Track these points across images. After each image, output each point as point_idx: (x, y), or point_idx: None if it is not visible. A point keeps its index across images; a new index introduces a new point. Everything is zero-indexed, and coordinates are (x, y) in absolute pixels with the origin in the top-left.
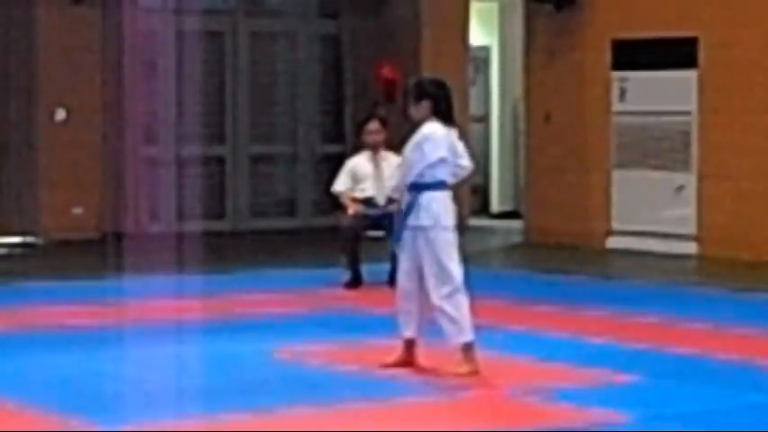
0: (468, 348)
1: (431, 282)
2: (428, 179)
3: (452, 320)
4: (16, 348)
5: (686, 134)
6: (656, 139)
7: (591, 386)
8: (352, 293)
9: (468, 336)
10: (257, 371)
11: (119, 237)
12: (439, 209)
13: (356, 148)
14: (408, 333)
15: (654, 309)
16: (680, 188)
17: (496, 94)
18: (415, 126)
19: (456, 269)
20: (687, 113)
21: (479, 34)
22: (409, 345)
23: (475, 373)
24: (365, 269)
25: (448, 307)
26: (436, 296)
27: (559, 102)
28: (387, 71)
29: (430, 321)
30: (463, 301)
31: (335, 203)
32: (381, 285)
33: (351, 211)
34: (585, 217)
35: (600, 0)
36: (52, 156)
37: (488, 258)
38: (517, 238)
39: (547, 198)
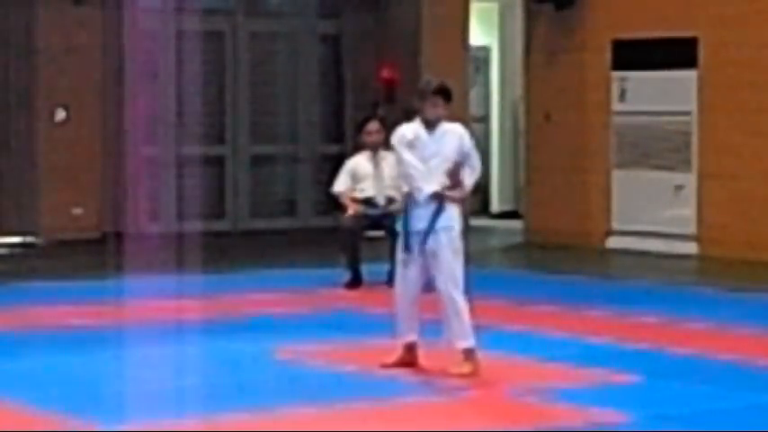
0: (469, 351)
1: (447, 280)
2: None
3: (461, 321)
4: (16, 348)
5: (686, 134)
6: (656, 139)
7: (591, 386)
8: (352, 293)
9: (471, 341)
10: (257, 371)
11: (119, 237)
12: (455, 211)
13: (356, 148)
14: (412, 337)
15: (654, 309)
16: (680, 188)
17: (496, 94)
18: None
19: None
20: (687, 113)
21: (479, 34)
22: (411, 347)
23: (476, 373)
24: (365, 269)
25: (459, 306)
26: (449, 295)
27: (559, 102)
28: (387, 71)
29: (429, 322)
30: (467, 304)
31: (335, 203)
32: (381, 285)
33: (351, 211)
34: (585, 217)
35: (600, 0)
36: (52, 156)
37: (488, 258)
38: (517, 238)
39: (547, 198)
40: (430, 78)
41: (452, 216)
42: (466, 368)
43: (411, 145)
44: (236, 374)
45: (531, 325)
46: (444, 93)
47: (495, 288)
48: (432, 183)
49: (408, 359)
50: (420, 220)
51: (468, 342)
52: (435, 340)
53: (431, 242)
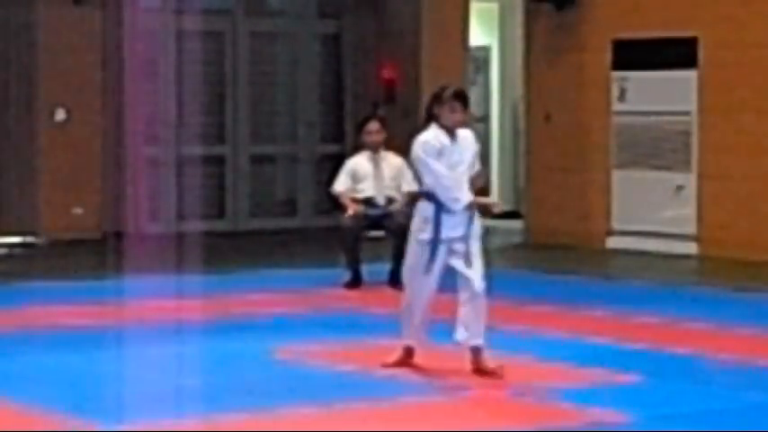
0: (480, 349)
1: (480, 282)
2: None
3: (482, 321)
4: (16, 348)
5: (686, 134)
6: (656, 139)
7: (591, 386)
8: (352, 293)
9: (481, 339)
10: (257, 371)
11: (119, 237)
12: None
13: (356, 148)
14: (414, 341)
15: (654, 309)
16: (680, 188)
17: (496, 94)
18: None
19: None
20: (687, 113)
21: (479, 34)
22: (411, 350)
23: (498, 371)
24: (365, 269)
25: (485, 307)
26: (483, 296)
27: (559, 102)
28: (387, 71)
29: (429, 322)
30: None
31: (335, 203)
32: (381, 285)
33: (351, 211)
34: (585, 217)
35: (600, 0)
36: (52, 156)
37: (488, 258)
38: (517, 238)
39: (547, 198)
40: (446, 84)
41: (479, 222)
42: (492, 363)
43: (440, 153)
44: (236, 374)
45: (531, 325)
46: (462, 98)
47: (495, 288)
48: (464, 191)
49: (408, 360)
50: (451, 228)
51: (480, 340)
52: (435, 340)
53: (463, 248)
